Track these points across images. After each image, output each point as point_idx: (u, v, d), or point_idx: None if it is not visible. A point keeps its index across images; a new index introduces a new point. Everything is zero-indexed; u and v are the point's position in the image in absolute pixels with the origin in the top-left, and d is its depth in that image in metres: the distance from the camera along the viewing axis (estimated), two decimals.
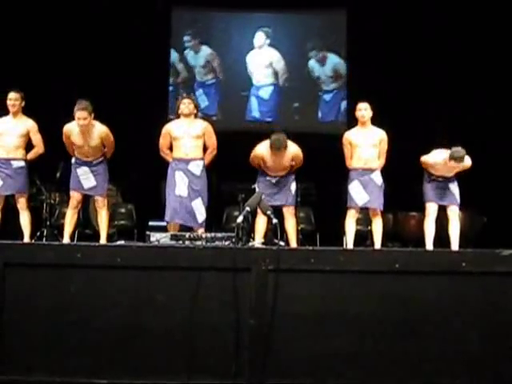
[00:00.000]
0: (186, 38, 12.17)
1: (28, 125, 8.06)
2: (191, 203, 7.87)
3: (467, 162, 7.94)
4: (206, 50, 12.22)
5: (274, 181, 8.13)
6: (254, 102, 12.20)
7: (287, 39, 12.22)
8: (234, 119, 11.53)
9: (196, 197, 7.89)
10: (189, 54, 12.21)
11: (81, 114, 7.71)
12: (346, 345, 5.55)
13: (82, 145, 7.86)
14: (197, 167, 7.92)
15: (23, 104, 8.06)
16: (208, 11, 12.17)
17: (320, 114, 12.20)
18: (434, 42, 11.33)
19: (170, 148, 8.04)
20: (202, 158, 7.99)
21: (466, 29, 11.16)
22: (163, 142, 8.03)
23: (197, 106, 8.11)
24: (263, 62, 12.19)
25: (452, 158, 7.77)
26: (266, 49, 12.19)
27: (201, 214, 7.91)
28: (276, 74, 12.20)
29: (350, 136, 8.13)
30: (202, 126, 8.01)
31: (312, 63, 12.20)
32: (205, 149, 8.06)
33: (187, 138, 7.90)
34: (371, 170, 8.05)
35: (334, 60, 12.24)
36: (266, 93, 12.18)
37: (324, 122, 12.17)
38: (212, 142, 8.05)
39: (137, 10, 11.43)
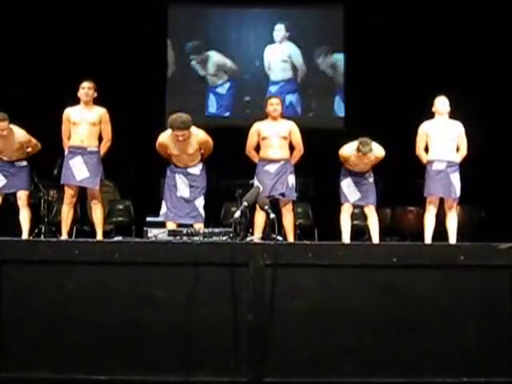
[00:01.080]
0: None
1: (19, 138, 8.03)
2: (194, 202, 7.82)
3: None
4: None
5: (272, 170, 8.07)
6: (211, 97, 12.19)
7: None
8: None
9: (199, 194, 7.82)
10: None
11: (86, 84, 7.86)
12: (344, 339, 5.57)
13: (80, 121, 7.84)
14: (196, 169, 7.86)
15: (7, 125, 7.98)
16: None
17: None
18: (433, 37, 11.31)
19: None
20: (200, 161, 7.91)
21: (466, 23, 11.15)
22: (161, 151, 7.89)
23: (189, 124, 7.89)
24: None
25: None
26: None
27: (203, 210, 7.87)
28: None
29: (347, 154, 8.05)
30: (196, 138, 7.74)
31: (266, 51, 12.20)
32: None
33: (185, 155, 7.79)
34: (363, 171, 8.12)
35: (291, 49, 12.20)
36: (223, 88, 12.17)
37: None
38: (208, 148, 7.85)
39: (134, 9, 11.41)
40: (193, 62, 12.16)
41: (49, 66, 11.08)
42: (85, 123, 7.85)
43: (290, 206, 8.18)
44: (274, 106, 8.08)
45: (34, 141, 8.19)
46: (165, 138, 7.79)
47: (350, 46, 11.85)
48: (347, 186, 8.08)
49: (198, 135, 7.78)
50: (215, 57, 12.19)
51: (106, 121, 7.95)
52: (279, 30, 12.12)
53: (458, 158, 7.98)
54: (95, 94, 7.90)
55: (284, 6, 12.09)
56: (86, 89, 7.85)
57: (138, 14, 11.44)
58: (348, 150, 8.08)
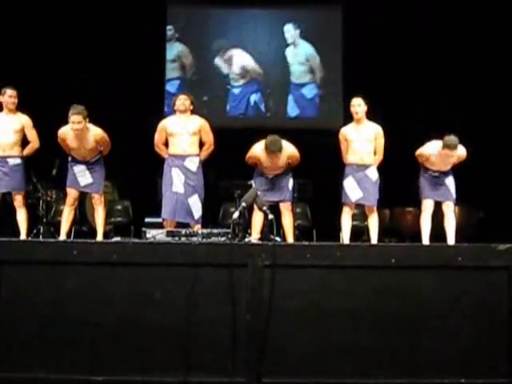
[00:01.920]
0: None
1: (23, 121, 8.02)
2: (188, 200, 7.86)
3: (461, 151, 7.93)
4: None
5: (270, 177, 8.13)
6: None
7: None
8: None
9: (192, 193, 7.89)
10: None
11: (75, 118, 7.66)
12: (342, 340, 5.57)
13: (78, 147, 7.85)
14: (193, 163, 7.91)
15: (16, 101, 8.02)
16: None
17: (228, 108, 12.11)
18: (432, 37, 11.30)
19: (166, 144, 8.03)
20: (198, 155, 7.98)
21: (465, 22, 11.14)
22: (159, 137, 8.03)
23: (193, 102, 8.07)
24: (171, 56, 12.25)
25: (445, 145, 7.75)
26: (175, 44, 12.22)
27: (197, 211, 7.90)
28: (184, 67, 12.21)
29: (346, 131, 8.11)
30: (198, 122, 7.99)
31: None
32: (201, 145, 8.06)
33: (184, 135, 7.89)
34: (366, 166, 8.05)
35: (241, 58, 12.22)
36: (172, 87, 12.09)
37: (232, 116, 12.12)
38: (208, 138, 8.04)
39: (133, 8, 11.41)
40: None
41: (48, 66, 11.07)
42: (83, 148, 7.86)
43: (289, 207, 8.20)
44: (274, 155, 7.92)
45: (35, 132, 8.13)
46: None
47: (348, 47, 11.85)
48: (349, 184, 8.04)
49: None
50: (179, 47, 12.23)
51: (104, 139, 7.92)
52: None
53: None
54: (86, 120, 7.73)
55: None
56: (75, 123, 7.63)
57: (137, 13, 11.42)
58: (345, 126, 8.13)
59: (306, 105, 12.19)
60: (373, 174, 8.07)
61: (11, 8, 10.99)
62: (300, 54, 12.21)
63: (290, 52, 12.21)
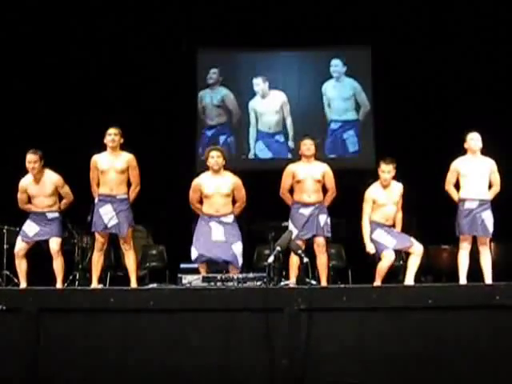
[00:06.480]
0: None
1: (53, 181, 8.10)
2: (232, 246, 7.81)
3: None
4: None
5: (306, 213, 8.07)
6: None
7: None
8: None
9: (236, 240, 7.82)
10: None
11: (111, 130, 7.88)
12: (381, 383, 5.52)
13: (108, 169, 7.89)
14: (228, 219, 7.90)
15: (42, 163, 8.04)
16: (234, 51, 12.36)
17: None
18: (462, 79, 11.31)
19: (201, 201, 8.02)
20: (232, 212, 7.96)
21: (495, 62, 11.16)
22: (193, 196, 7.96)
23: (225, 158, 8.04)
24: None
25: (469, 138, 7.79)
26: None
27: (241, 257, 7.86)
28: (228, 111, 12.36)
29: (375, 194, 7.90)
30: (231, 182, 7.92)
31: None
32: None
33: (218, 196, 7.87)
34: (390, 225, 7.96)
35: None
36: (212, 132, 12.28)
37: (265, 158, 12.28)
38: (241, 196, 7.99)
39: (164, 57, 11.59)
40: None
41: (82, 114, 11.24)
42: (113, 171, 7.90)
43: (323, 248, 8.14)
44: (307, 145, 8.11)
45: (67, 188, 8.23)
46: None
47: (378, 86, 11.89)
48: (380, 236, 7.87)
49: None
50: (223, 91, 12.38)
51: (134, 166, 7.98)
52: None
53: (489, 195, 7.93)
54: (121, 140, 7.92)
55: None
56: (112, 135, 7.85)
57: (168, 62, 11.59)
58: (373, 188, 8.00)
59: (341, 144, 12.24)
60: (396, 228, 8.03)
61: (40, 54, 11.22)
62: (345, 89, 12.28)
63: (331, 88, 12.28)
